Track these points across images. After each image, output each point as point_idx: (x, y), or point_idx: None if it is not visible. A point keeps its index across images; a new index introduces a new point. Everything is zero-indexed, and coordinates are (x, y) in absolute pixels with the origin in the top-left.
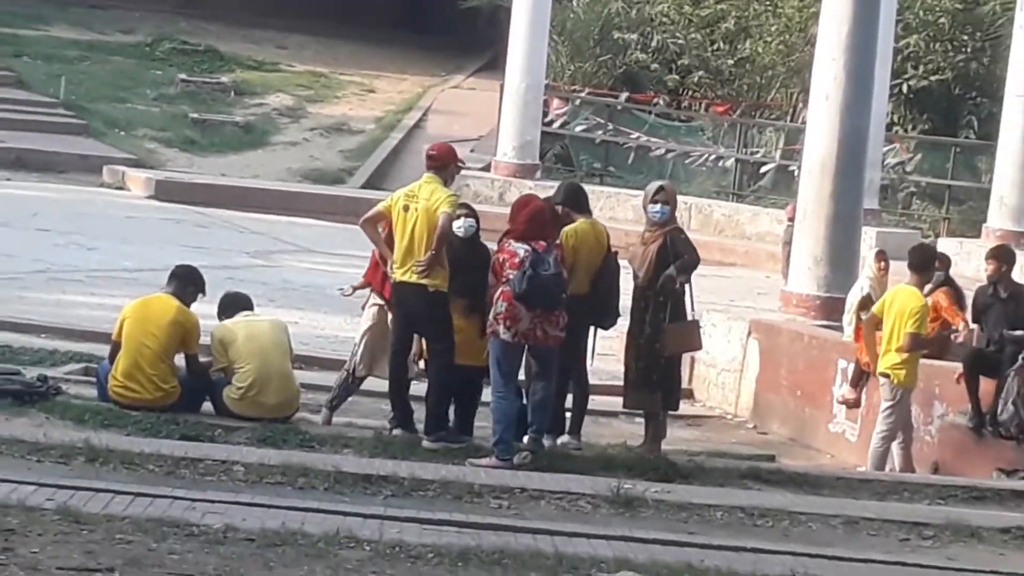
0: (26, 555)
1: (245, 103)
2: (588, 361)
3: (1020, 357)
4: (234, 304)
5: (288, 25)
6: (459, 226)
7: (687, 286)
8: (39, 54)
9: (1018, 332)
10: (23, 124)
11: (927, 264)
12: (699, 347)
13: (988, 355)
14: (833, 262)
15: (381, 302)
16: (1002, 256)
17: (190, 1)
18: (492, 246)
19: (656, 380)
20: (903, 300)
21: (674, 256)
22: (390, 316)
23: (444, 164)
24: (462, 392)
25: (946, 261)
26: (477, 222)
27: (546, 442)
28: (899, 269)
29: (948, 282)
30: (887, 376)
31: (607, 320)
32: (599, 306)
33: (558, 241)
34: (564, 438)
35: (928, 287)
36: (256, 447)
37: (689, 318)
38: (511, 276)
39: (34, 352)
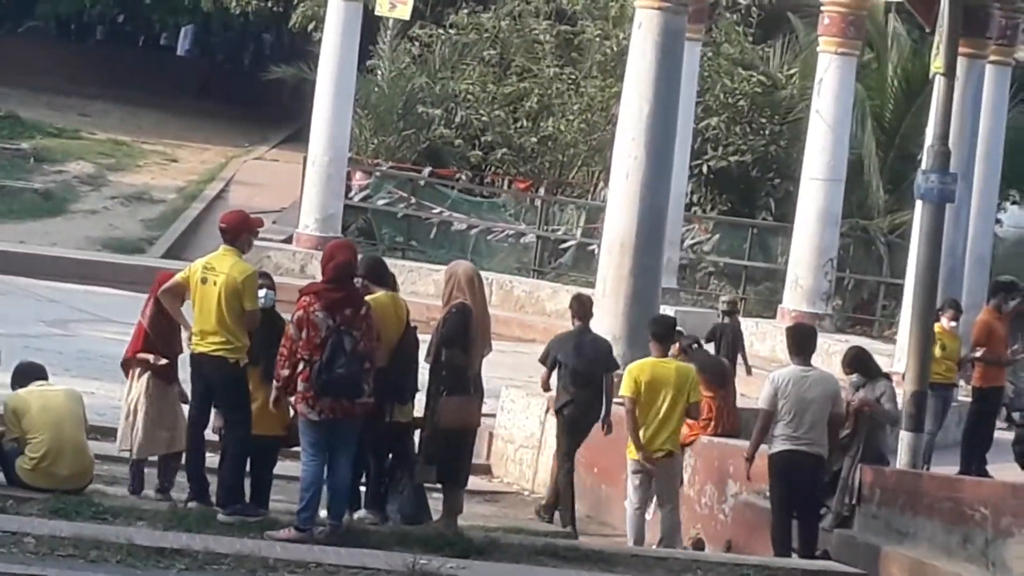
0: None
1: (45, 170)
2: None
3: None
4: (28, 373)
5: (91, 93)
6: (261, 297)
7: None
8: None
9: None
10: None
11: (668, 333)
12: (475, 421)
13: None
14: (631, 339)
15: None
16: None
17: None
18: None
19: (433, 453)
20: (680, 373)
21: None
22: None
23: (236, 235)
24: (258, 463)
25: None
26: (274, 292)
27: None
28: None
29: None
30: (673, 452)
31: (404, 395)
32: (396, 381)
33: (364, 310)
34: (361, 512)
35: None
36: (48, 519)
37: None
38: (311, 360)
39: None
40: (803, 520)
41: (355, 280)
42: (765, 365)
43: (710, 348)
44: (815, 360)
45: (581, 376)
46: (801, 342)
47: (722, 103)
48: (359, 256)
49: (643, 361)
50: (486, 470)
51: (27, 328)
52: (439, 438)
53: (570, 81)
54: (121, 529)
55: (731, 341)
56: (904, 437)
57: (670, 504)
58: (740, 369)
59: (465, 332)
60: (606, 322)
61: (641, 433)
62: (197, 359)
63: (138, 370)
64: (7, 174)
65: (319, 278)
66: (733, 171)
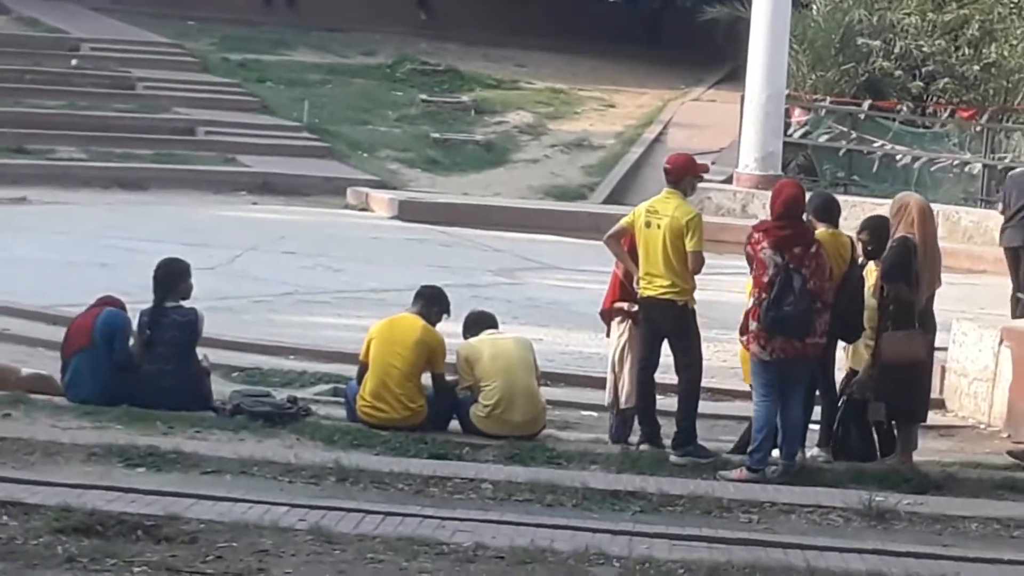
0: (279, 575)
1: (485, 121)
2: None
3: None
4: (479, 322)
5: (527, 43)
6: None
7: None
8: (282, 79)
9: None
10: (268, 149)
11: None
12: (920, 355)
13: None
14: None
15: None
16: None
17: (429, 22)
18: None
19: (880, 389)
20: None
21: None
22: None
23: (680, 177)
24: None
25: None
26: None
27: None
28: None
29: None
30: None
31: (850, 333)
32: (842, 318)
33: (814, 248)
34: (814, 451)
35: None
36: (504, 464)
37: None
38: (760, 298)
39: (283, 374)
40: None
41: (803, 217)
42: None
43: None
44: None
45: None
46: None
47: None
48: (807, 194)
49: None
50: (939, 404)
51: (475, 278)
52: (886, 374)
53: (1012, 5)
54: (575, 473)
55: None
56: None
57: None
58: None
59: (905, 266)
60: None
61: None
62: (646, 302)
63: (617, 320)
64: (449, 127)
65: (760, 218)
66: None
